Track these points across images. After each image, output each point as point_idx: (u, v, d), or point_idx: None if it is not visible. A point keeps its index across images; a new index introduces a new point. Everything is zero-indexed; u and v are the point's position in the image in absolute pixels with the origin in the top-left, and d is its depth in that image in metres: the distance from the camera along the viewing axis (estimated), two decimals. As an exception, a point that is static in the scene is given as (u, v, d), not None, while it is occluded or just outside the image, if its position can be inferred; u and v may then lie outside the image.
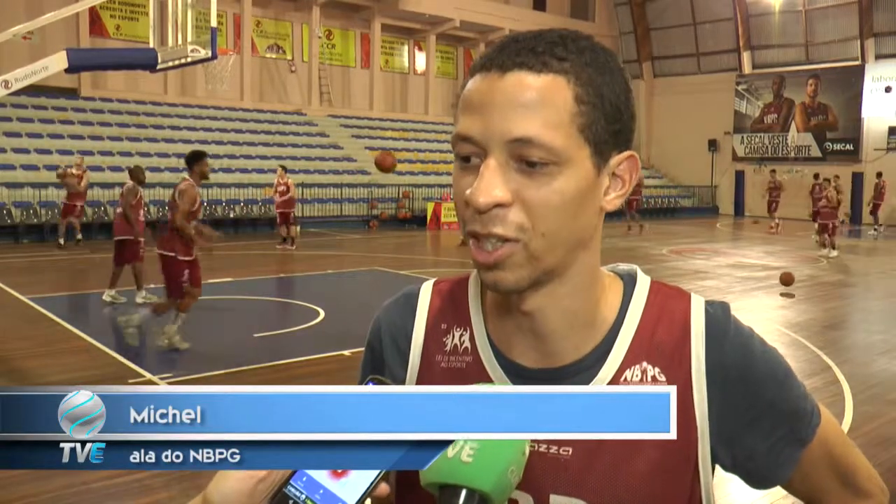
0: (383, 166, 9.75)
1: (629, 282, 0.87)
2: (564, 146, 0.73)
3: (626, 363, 0.81)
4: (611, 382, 0.81)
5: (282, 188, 14.71)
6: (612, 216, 0.82)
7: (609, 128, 0.76)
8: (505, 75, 0.74)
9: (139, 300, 8.65)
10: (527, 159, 0.73)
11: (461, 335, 0.87)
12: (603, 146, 0.76)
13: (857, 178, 25.37)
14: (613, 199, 0.80)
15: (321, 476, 0.67)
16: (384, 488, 0.67)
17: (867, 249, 16.90)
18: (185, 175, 6.93)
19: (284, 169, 15.23)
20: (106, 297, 8.77)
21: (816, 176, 18.90)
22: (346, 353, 6.73)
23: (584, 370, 0.81)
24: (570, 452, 0.80)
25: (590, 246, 0.81)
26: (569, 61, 0.74)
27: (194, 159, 6.92)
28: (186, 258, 6.78)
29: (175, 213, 6.65)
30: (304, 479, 0.68)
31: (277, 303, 9.36)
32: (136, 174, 9.12)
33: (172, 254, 6.71)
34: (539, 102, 0.73)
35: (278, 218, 15.21)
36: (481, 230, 0.74)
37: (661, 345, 0.82)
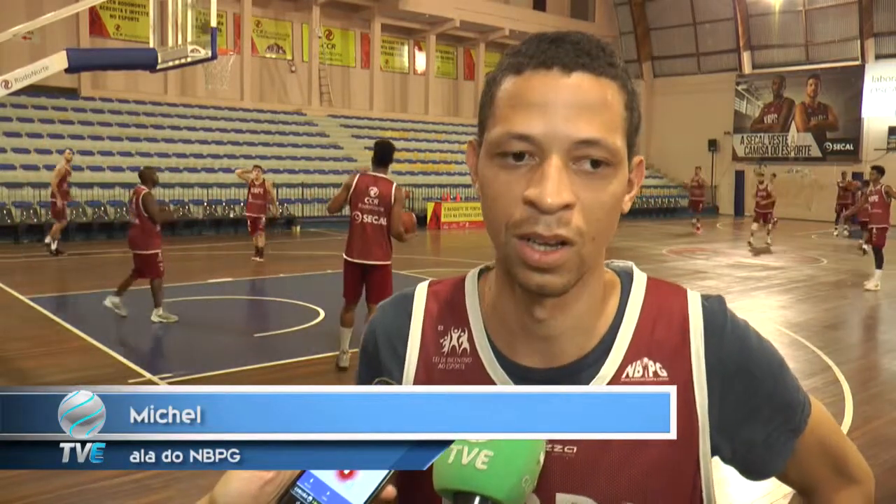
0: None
1: (626, 279, 0.87)
2: (621, 149, 0.75)
3: (628, 360, 0.82)
4: (613, 379, 0.81)
5: (256, 189, 12.65)
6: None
7: (635, 134, 0.79)
8: (570, 75, 0.73)
9: (156, 318, 7.95)
10: (591, 159, 0.73)
11: (459, 336, 0.87)
12: (631, 151, 0.79)
13: (857, 179, 25.35)
14: (627, 201, 0.81)
15: (328, 478, 0.67)
16: (391, 491, 0.67)
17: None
18: (379, 173, 5.90)
19: (261, 168, 13.29)
20: (107, 303, 8.05)
21: (761, 174, 19.68)
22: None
23: (585, 368, 0.82)
24: (575, 451, 0.80)
25: (606, 249, 0.82)
26: (616, 67, 0.76)
27: (391, 152, 5.97)
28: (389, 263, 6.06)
29: (392, 220, 5.80)
30: (311, 480, 0.68)
31: (277, 303, 9.36)
32: (148, 175, 8.35)
33: (389, 261, 5.96)
34: (602, 105, 0.74)
35: (249, 225, 13.00)
36: (545, 232, 0.72)
37: (661, 341, 0.83)
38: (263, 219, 12.83)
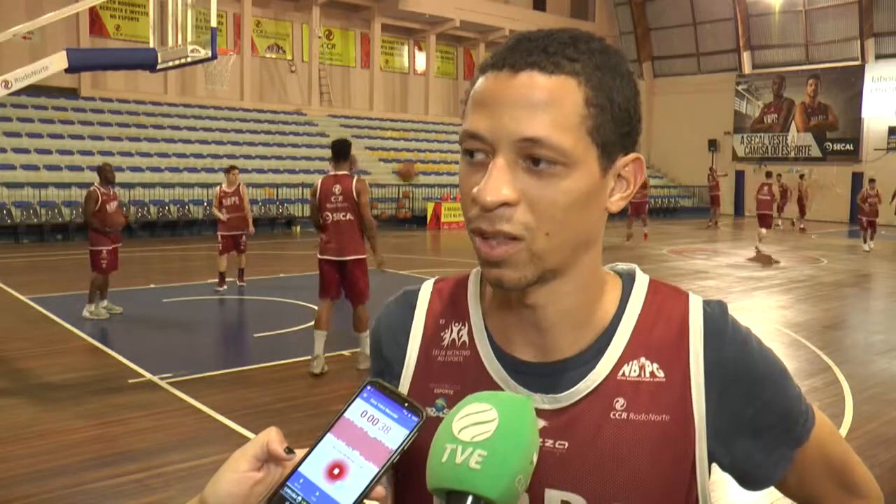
0: (407, 176, 8.36)
1: (628, 280, 0.87)
2: (573, 147, 0.73)
3: (625, 358, 0.81)
4: (608, 376, 0.81)
5: (231, 199, 9.87)
6: (613, 217, 0.83)
7: (617, 130, 0.77)
8: (517, 74, 0.74)
9: (85, 314, 8.04)
10: (535, 158, 0.73)
11: (459, 330, 0.88)
12: (610, 148, 0.77)
13: (857, 178, 25.36)
14: (618, 200, 0.80)
15: (317, 478, 0.67)
16: (380, 491, 0.67)
17: (860, 248, 16.87)
18: (339, 171, 6.04)
19: (237, 169, 10.37)
20: (102, 311, 8.20)
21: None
22: (346, 353, 6.73)
23: (581, 364, 0.81)
24: (567, 447, 0.80)
25: (593, 246, 0.81)
26: (580, 63, 0.75)
27: (346, 148, 6.12)
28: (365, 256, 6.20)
29: (366, 212, 5.98)
30: (301, 481, 0.68)
31: (277, 303, 9.35)
32: (104, 173, 8.18)
33: (364, 255, 6.15)
34: (549, 103, 0.73)
35: (222, 243, 9.85)
36: (488, 228, 0.74)
37: (660, 341, 0.82)
38: (244, 236, 10.09)
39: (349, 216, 5.98)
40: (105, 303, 8.32)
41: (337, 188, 5.97)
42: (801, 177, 22.24)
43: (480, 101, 0.75)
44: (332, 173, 6.07)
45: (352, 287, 6.14)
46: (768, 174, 17.70)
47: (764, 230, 16.16)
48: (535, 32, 0.78)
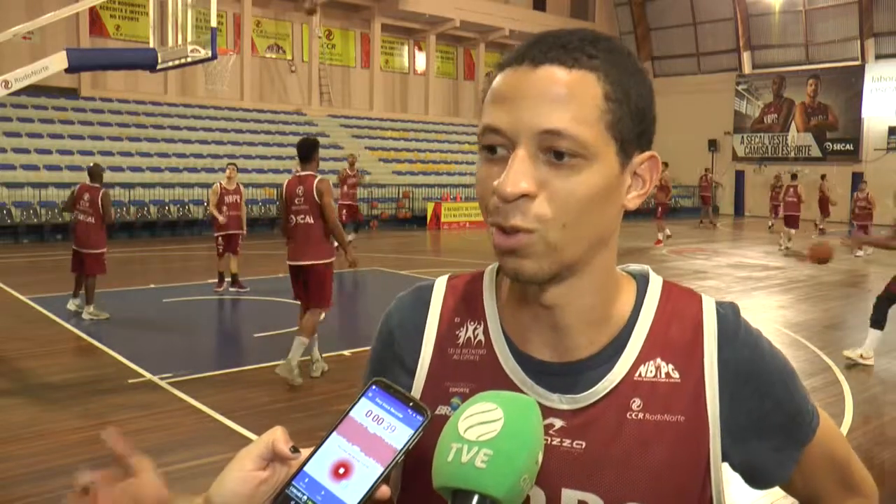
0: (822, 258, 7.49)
1: (642, 281, 0.88)
2: (592, 140, 0.74)
3: (641, 359, 0.82)
4: (626, 377, 0.81)
5: (233, 198, 9.87)
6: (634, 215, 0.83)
7: (634, 128, 0.77)
8: (537, 68, 0.75)
9: (87, 316, 8.05)
10: (555, 150, 0.73)
11: (475, 328, 0.88)
12: (627, 145, 0.77)
13: (857, 178, 25.35)
14: (634, 198, 0.81)
15: (323, 477, 0.67)
16: (385, 490, 0.67)
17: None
18: (305, 172, 5.84)
19: (236, 167, 10.38)
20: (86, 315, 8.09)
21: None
22: (347, 353, 6.73)
23: (599, 365, 0.82)
24: (584, 446, 0.80)
25: (609, 244, 0.82)
26: (599, 59, 0.76)
27: (311, 148, 5.89)
28: (331, 260, 5.92)
29: (329, 213, 5.73)
30: (306, 480, 0.68)
31: (277, 303, 9.35)
32: (99, 173, 8.24)
33: (323, 260, 5.84)
34: (569, 96, 0.73)
35: (222, 244, 9.77)
36: (504, 222, 0.75)
37: (675, 342, 0.83)
38: (240, 237, 10.01)
39: (308, 219, 5.75)
40: (78, 301, 8.33)
41: (300, 189, 5.75)
42: (823, 177, 22.13)
43: (500, 96, 0.76)
44: (297, 174, 5.87)
45: (308, 291, 5.88)
46: (794, 176, 17.57)
47: (793, 231, 16.15)
48: (555, 31, 0.79)
